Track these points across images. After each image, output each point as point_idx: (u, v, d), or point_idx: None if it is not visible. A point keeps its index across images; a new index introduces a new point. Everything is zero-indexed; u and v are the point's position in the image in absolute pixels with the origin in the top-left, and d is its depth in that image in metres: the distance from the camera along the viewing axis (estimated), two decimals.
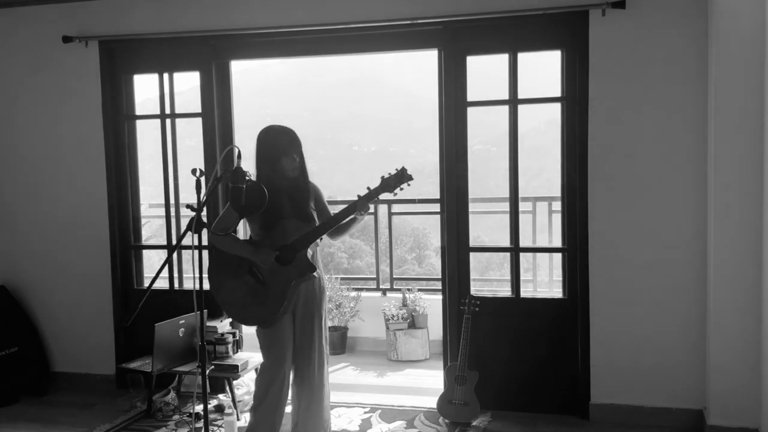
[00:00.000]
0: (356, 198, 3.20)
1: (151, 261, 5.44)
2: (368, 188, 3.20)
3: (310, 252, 3.27)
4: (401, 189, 3.20)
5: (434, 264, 15.27)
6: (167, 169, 4.67)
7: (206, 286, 3.06)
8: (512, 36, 4.02)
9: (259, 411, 3.33)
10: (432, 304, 5.43)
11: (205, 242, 2.92)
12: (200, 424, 3.85)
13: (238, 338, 4.42)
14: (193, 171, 2.83)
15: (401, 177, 3.18)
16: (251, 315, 3.27)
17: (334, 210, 3.35)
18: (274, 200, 3.14)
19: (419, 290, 5.60)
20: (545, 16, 3.89)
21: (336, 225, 3.25)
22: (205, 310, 3.10)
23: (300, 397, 3.39)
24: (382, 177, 3.21)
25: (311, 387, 3.35)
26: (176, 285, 4.72)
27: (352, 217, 3.25)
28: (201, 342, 2.97)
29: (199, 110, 4.52)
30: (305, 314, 3.32)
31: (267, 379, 3.32)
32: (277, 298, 3.21)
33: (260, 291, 3.23)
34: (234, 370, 4.13)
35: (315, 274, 3.30)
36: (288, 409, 3.47)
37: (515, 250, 4.18)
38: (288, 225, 3.21)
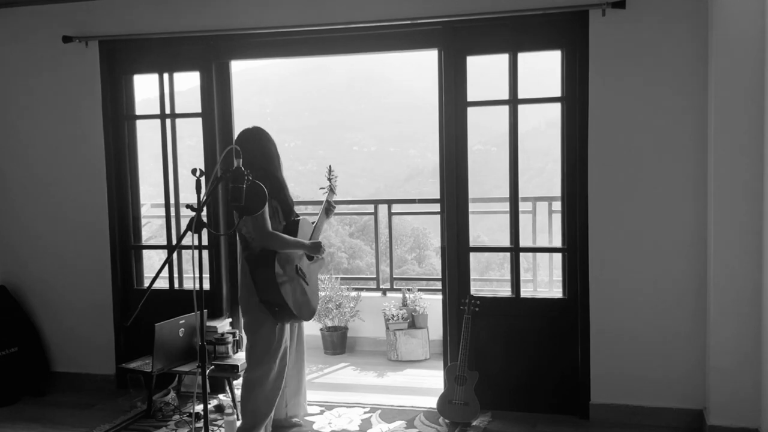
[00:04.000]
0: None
1: (151, 261, 5.44)
2: (327, 201, 3.79)
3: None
4: (334, 180, 3.86)
5: (434, 264, 15.25)
6: (167, 169, 4.66)
7: (265, 298, 3.41)
8: (512, 36, 4.02)
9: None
10: (432, 304, 5.43)
11: (205, 242, 2.90)
12: (200, 424, 3.85)
13: (238, 338, 4.42)
14: (193, 171, 2.82)
15: (329, 173, 3.88)
16: (307, 310, 3.56)
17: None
18: (285, 197, 3.53)
19: (419, 290, 5.60)
20: (545, 16, 3.89)
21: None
22: (205, 310, 3.10)
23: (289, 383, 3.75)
24: (328, 186, 3.83)
25: (300, 371, 3.86)
26: (176, 285, 4.72)
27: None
28: (201, 342, 2.96)
29: (199, 110, 4.52)
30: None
31: (275, 387, 3.54)
32: (316, 290, 3.67)
33: (305, 286, 3.55)
34: (234, 370, 4.12)
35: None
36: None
37: (515, 250, 4.18)
38: (304, 223, 3.54)
